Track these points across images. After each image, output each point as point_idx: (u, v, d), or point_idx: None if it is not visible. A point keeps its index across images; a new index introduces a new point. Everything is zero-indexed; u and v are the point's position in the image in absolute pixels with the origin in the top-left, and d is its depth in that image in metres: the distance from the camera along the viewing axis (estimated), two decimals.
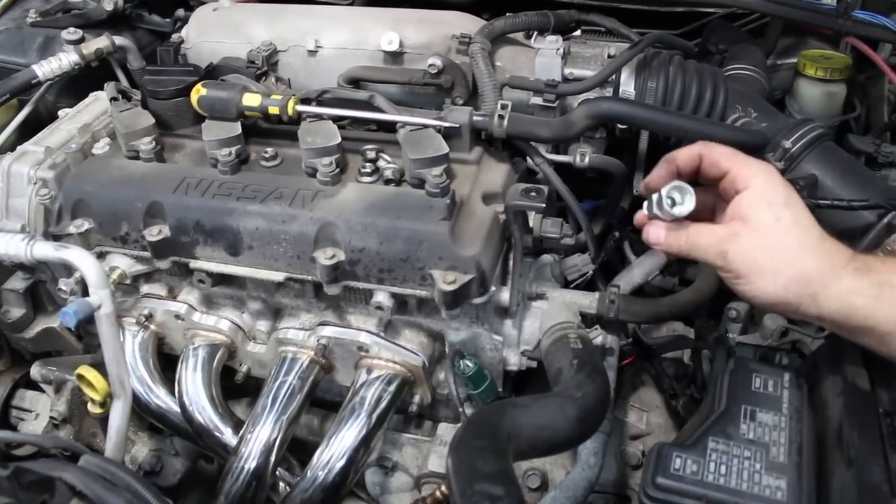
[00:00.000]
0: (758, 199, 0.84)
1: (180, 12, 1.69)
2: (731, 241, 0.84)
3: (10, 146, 1.36)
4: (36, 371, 1.33)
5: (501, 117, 1.19)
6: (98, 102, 1.41)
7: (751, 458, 0.83)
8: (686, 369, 1.30)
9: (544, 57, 1.35)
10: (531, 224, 1.17)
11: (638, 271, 1.32)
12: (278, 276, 1.13)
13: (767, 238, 0.83)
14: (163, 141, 1.26)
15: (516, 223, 1.10)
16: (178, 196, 1.16)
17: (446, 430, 1.23)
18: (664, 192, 0.87)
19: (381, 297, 1.10)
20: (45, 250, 1.05)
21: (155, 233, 1.14)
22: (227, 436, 1.18)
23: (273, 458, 1.12)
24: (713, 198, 0.93)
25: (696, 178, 0.92)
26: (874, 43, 1.41)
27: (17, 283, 1.35)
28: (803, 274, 0.81)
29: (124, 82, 1.53)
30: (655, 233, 0.90)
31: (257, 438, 1.12)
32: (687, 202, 0.86)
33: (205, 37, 1.49)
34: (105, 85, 1.38)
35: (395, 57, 1.38)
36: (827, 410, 0.89)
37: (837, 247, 0.83)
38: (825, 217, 1.14)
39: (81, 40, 1.48)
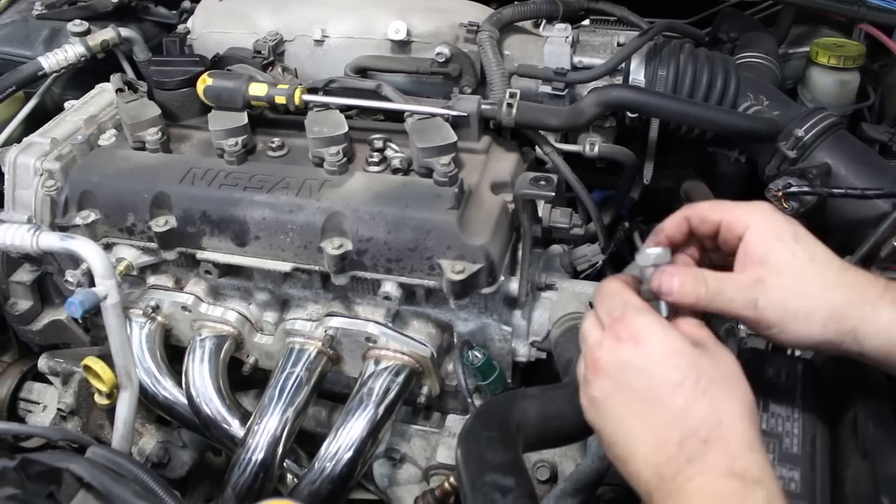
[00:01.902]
0: (764, 235, 0.77)
1: (186, 4, 1.68)
2: (758, 289, 0.76)
3: (17, 138, 1.36)
4: (43, 363, 1.33)
5: (510, 106, 1.18)
6: (104, 94, 1.41)
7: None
8: None
9: (553, 45, 1.33)
10: (540, 214, 1.16)
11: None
12: (285, 267, 1.13)
13: (791, 279, 0.76)
14: (169, 132, 1.25)
15: (525, 212, 1.09)
16: (185, 186, 1.15)
17: (455, 422, 1.22)
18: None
19: (389, 287, 1.09)
20: (51, 241, 1.05)
21: (161, 223, 1.13)
22: (235, 427, 1.18)
23: (280, 450, 1.12)
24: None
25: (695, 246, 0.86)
26: (889, 30, 1.39)
27: (25, 275, 1.35)
28: (836, 310, 0.74)
29: (130, 74, 1.52)
30: (668, 281, 0.78)
31: (265, 430, 1.12)
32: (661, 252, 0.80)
33: (211, 27, 1.48)
34: (111, 76, 1.37)
35: (403, 46, 1.37)
36: (841, 402, 0.88)
37: (865, 277, 0.77)
38: (838, 206, 1.13)
39: (87, 32, 1.47)
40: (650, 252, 0.80)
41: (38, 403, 1.39)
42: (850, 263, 0.79)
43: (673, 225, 0.84)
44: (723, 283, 0.77)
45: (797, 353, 1.01)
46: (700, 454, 0.67)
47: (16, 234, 1.05)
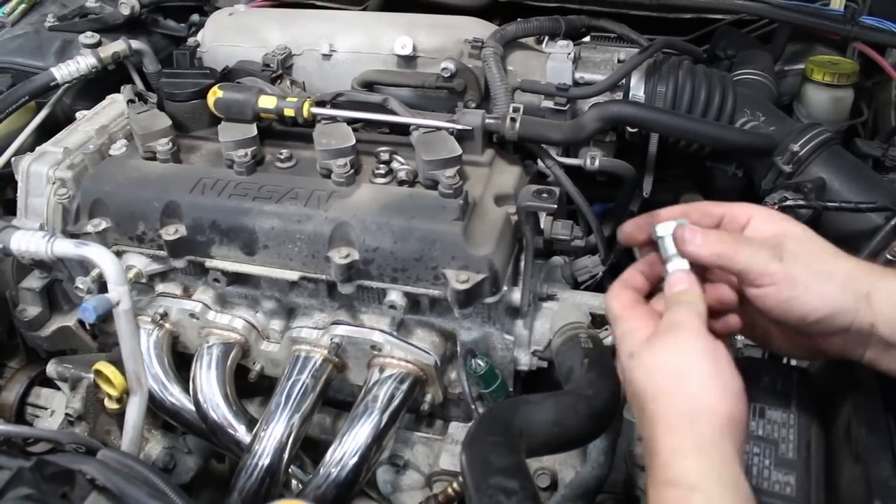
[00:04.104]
0: (772, 217, 0.80)
1: (195, 17, 1.72)
2: (779, 248, 0.76)
3: (29, 147, 1.38)
4: (52, 368, 1.34)
5: (513, 120, 1.21)
6: (115, 105, 1.44)
7: (760, 454, 0.84)
8: None
9: (555, 61, 1.37)
10: (542, 226, 1.19)
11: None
12: (293, 276, 1.15)
13: (807, 243, 0.77)
14: (179, 142, 1.28)
15: (528, 224, 1.12)
16: (195, 196, 1.18)
17: (457, 429, 1.24)
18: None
19: (395, 296, 1.12)
20: (66, 247, 1.07)
21: (171, 232, 1.16)
22: (241, 433, 1.19)
23: (286, 455, 1.13)
24: None
25: None
26: (881, 48, 1.42)
27: (34, 282, 1.37)
28: (851, 273, 0.75)
29: (140, 85, 1.55)
30: (692, 234, 0.77)
31: (271, 436, 1.13)
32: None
33: (221, 40, 1.51)
34: (122, 88, 1.40)
35: (409, 61, 1.40)
36: (835, 408, 0.90)
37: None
38: (833, 220, 1.16)
39: (98, 44, 1.50)
40: (669, 222, 0.80)
41: (46, 408, 1.40)
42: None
43: (671, 216, 0.83)
44: (746, 239, 0.78)
45: (793, 361, 1.03)
46: (650, 468, 0.71)
47: (31, 241, 1.07)
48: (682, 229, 0.79)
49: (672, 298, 0.78)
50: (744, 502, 0.66)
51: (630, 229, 0.85)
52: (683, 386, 0.71)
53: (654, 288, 0.85)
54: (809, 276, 0.74)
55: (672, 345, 0.73)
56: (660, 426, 0.70)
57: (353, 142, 1.19)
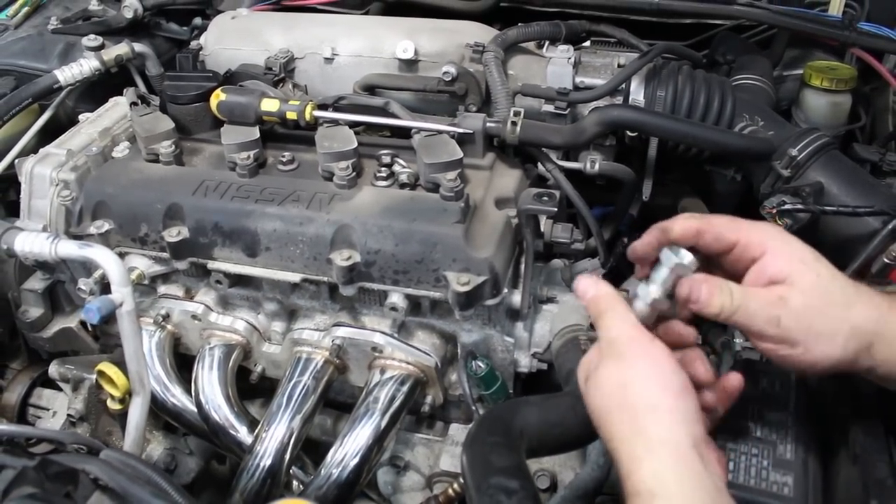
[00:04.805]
0: (788, 258, 0.79)
1: (197, 20, 1.73)
2: (780, 306, 0.76)
3: (32, 149, 1.39)
4: (54, 369, 1.35)
5: (514, 124, 1.22)
6: (118, 107, 1.44)
7: (758, 455, 0.85)
8: None
9: (556, 66, 1.38)
10: (542, 229, 1.20)
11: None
12: (294, 277, 1.16)
13: (816, 298, 0.77)
14: (182, 145, 1.28)
15: (528, 227, 1.13)
16: (198, 198, 1.18)
17: (457, 431, 1.25)
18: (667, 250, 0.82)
19: (396, 298, 1.12)
20: (69, 249, 1.07)
21: (174, 234, 1.17)
22: (243, 434, 1.20)
23: (288, 456, 1.14)
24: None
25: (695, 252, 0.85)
26: (879, 54, 1.43)
27: (36, 283, 1.37)
28: (857, 327, 0.76)
29: (143, 88, 1.56)
30: (697, 289, 0.78)
31: (272, 437, 1.14)
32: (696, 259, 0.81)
33: (223, 44, 1.52)
34: (125, 90, 1.41)
35: (410, 65, 1.41)
36: (832, 410, 0.91)
37: (873, 292, 0.79)
38: (830, 224, 1.17)
39: (101, 47, 1.50)
40: (690, 258, 0.81)
41: (48, 409, 1.41)
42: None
43: (682, 231, 0.83)
44: (746, 296, 0.78)
45: None
46: (619, 483, 0.72)
47: (35, 242, 1.08)
48: (687, 284, 0.80)
49: (591, 307, 0.83)
50: (706, 496, 0.67)
51: (643, 251, 0.86)
52: (628, 395, 0.74)
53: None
54: (809, 338, 0.76)
55: (615, 361, 0.77)
56: (616, 438, 0.73)
57: (355, 145, 1.20)
